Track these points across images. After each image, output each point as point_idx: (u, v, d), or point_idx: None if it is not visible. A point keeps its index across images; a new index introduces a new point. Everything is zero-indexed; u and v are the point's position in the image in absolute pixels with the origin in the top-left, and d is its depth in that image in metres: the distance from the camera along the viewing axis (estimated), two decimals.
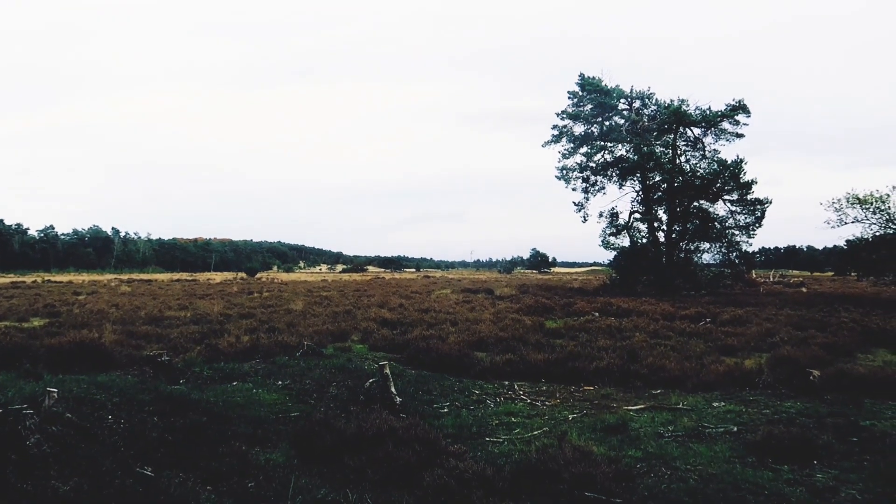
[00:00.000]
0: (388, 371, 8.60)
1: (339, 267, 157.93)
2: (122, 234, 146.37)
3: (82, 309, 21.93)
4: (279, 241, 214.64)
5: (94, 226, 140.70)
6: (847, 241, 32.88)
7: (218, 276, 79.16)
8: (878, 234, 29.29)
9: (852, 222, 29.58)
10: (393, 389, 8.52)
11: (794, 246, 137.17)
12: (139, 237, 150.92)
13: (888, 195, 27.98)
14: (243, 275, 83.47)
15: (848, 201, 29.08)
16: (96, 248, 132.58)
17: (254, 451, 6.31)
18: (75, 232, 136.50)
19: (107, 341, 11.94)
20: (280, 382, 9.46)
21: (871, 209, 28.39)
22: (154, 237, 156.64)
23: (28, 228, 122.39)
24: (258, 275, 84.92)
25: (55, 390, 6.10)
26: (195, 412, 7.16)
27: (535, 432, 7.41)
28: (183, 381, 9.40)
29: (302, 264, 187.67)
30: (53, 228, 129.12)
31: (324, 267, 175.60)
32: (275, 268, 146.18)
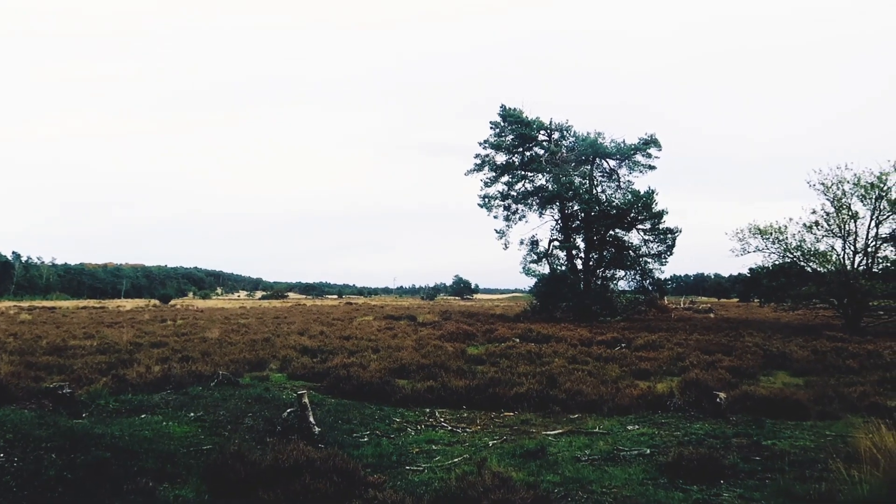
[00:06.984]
0: (306, 400, 8.41)
1: (259, 294, 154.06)
2: (24, 259, 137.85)
3: None
4: (195, 267, 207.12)
5: None
6: (750, 269, 34.96)
7: (129, 304, 75.49)
8: (777, 262, 31.11)
9: (754, 251, 31.12)
10: (312, 419, 8.32)
11: (703, 274, 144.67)
12: (42, 262, 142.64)
13: (786, 226, 29.80)
14: (156, 302, 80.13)
15: (750, 231, 30.73)
16: None
17: (162, 488, 6.01)
18: None
19: (1, 373, 11.13)
20: (192, 414, 9.07)
21: (771, 239, 30.10)
22: (59, 262, 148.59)
23: None
24: (172, 302, 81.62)
25: None
26: (98, 447, 6.74)
27: (456, 459, 7.40)
28: (86, 414, 8.86)
29: (220, 291, 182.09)
30: None
31: (243, 294, 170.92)
32: (191, 294, 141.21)
